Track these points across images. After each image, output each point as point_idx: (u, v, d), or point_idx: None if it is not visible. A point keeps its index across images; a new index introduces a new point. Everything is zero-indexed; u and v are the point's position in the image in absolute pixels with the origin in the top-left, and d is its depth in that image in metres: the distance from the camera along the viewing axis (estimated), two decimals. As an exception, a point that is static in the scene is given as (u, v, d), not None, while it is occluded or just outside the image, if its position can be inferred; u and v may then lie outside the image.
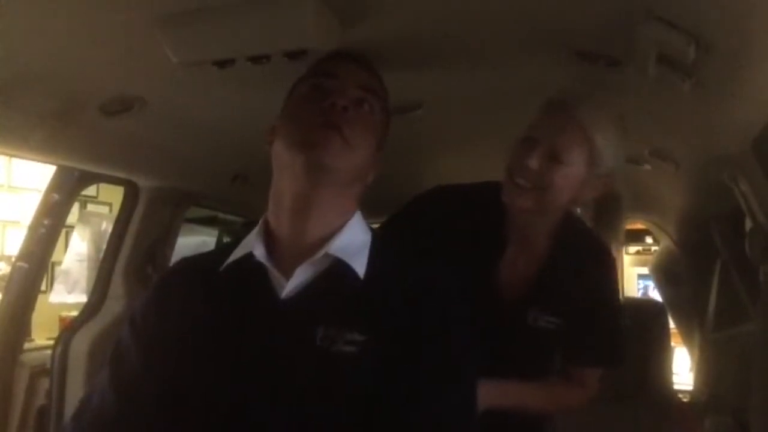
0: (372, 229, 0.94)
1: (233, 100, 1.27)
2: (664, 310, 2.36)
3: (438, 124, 1.49)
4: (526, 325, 1.21)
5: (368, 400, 0.79)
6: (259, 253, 0.87)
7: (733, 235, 1.82)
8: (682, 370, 2.91)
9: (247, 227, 0.94)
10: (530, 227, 1.22)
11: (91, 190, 3.10)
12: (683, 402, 2.37)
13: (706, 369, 2.14)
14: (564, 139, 1.11)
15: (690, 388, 2.49)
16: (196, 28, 0.93)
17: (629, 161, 1.64)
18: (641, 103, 1.26)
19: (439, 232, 1.21)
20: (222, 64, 0.99)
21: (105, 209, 3.38)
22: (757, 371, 1.45)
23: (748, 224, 1.50)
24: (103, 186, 2.70)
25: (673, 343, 2.35)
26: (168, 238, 1.95)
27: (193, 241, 2.64)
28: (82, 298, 2.23)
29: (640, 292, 4.91)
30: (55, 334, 2.16)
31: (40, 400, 1.77)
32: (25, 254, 1.74)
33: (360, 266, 0.86)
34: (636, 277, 4.99)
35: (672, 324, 2.42)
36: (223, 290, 0.89)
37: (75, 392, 1.67)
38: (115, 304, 1.81)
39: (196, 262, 0.98)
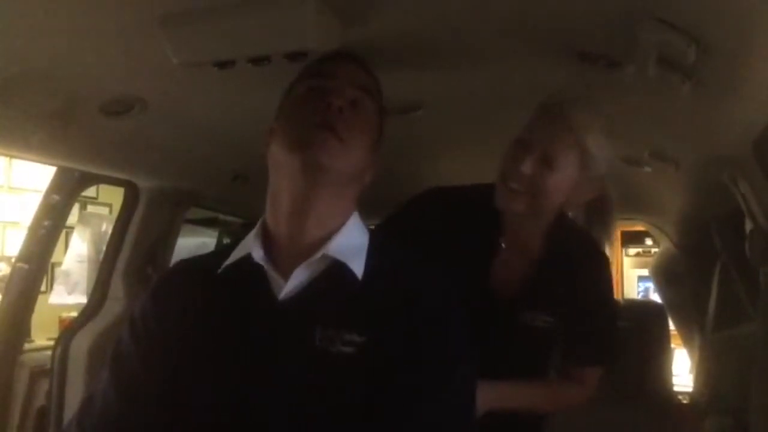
0: (370, 230, 0.94)
1: (233, 101, 1.28)
2: (663, 312, 2.36)
3: (438, 124, 1.49)
4: (521, 325, 1.23)
5: (367, 401, 0.79)
6: (258, 254, 0.87)
7: (733, 237, 1.82)
8: (683, 371, 2.91)
9: (247, 228, 0.93)
10: (524, 229, 1.24)
11: (91, 191, 3.11)
12: (683, 403, 2.37)
13: (706, 370, 2.14)
14: (557, 144, 1.13)
15: (690, 389, 2.49)
16: (196, 28, 0.93)
17: (629, 163, 1.65)
18: (641, 104, 1.26)
19: (434, 233, 1.22)
20: (222, 65, 0.99)
21: (105, 210, 3.39)
22: (757, 372, 1.45)
23: (748, 225, 1.50)
24: (103, 187, 2.71)
25: (673, 345, 2.35)
26: (168, 239, 1.95)
27: (193, 242, 2.64)
28: (82, 299, 2.23)
29: (641, 294, 4.90)
30: (55, 334, 2.17)
31: (39, 400, 1.78)
32: (25, 255, 1.74)
33: (358, 267, 0.86)
34: (636, 279, 4.98)
35: (672, 325, 2.42)
36: (222, 291, 0.89)
37: (75, 393, 1.67)
38: (115, 305, 1.81)
39: (194, 264, 0.98)
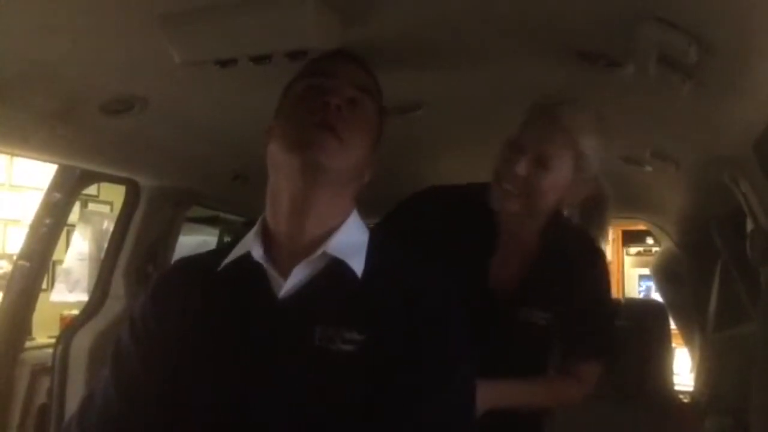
0: (370, 229, 0.94)
1: (234, 101, 1.28)
2: (664, 311, 2.36)
3: (438, 124, 1.49)
4: (519, 323, 1.24)
5: (367, 400, 0.79)
6: (257, 253, 0.87)
7: (734, 236, 1.82)
8: (683, 370, 2.91)
9: (248, 227, 0.94)
10: (520, 228, 1.25)
11: (92, 189, 3.11)
12: (683, 402, 2.37)
13: (706, 370, 2.14)
14: (550, 146, 1.14)
15: (691, 388, 2.49)
16: (197, 27, 0.93)
17: (630, 162, 1.65)
18: (642, 104, 1.26)
19: (431, 232, 1.23)
20: (224, 63, 0.99)
21: (106, 208, 3.39)
22: (758, 372, 1.45)
23: (749, 225, 1.50)
24: (104, 185, 2.71)
25: (673, 344, 2.35)
26: (169, 238, 1.95)
27: (194, 241, 2.64)
28: (83, 297, 2.23)
29: (642, 293, 4.90)
30: (56, 332, 2.17)
31: (40, 398, 1.78)
32: (27, 253, 1.75)
33: (358, 265, 0.86)
34: (637, 278, 4.98)
35: (673, 324, 2.42)
36: (222, 290, 0.89)
37: (76, 391, 1.68)
38: (116, 303, 1.81)
39: (194, 262, 0.98)
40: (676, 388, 2.45)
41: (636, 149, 1.58)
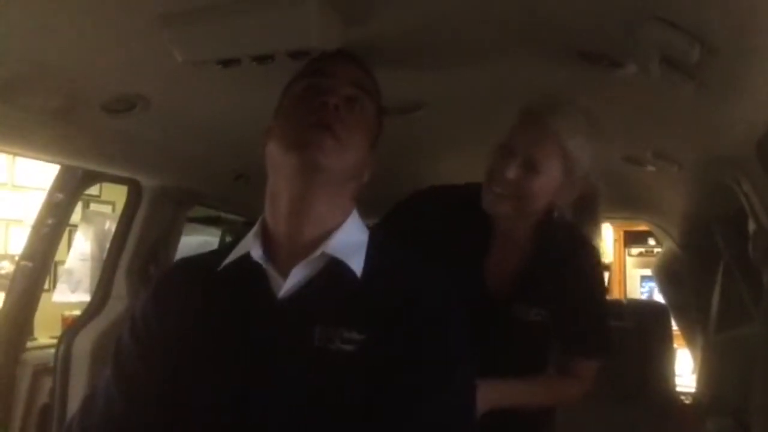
0: (369, 229, 0.94)
1: (236, 100, 1.28)
2: (666, 312, 2.36)
3: (438, 124, 1.49)
4: (517, 321, 1.25)
5: (366, 400, 0.79)
6: (257, 253, 0.87)
7: (736, 237, 1.82)
8: (686, 371, 2.91)
9: (250, 227, 0.94)
10: (513, 228, 1.27)
11: (94, 190, 3.11)
12: (685, 403, 2.37)
13: (708, 371, 2.14)
14: (540, 149, 1.16)
15: (693, 389, 2.49)
16: (199, 27, 0.93)
17: (632, 162, 1.65)
18: (643, 104, 1.26)
19: (430, 231, 1.24)
20: (226, 63, 0.99)
21: (108, 208, 3.40)
22: (760, 373, 1.45)
23: (751, 226, 1.50)
24: (106, 185, 2.72)
25: (675, 345, 2.35)
26: (171, 238, 1.95)
27: (196, 241, 2.64)
28: (85, 297, 2.24)
29: (645, 294, 4.89)
30: (58, 333, 2.17)
31: (42, 398, 1.78)
32: (29, 253, 1.75)
33: (357, 265, 0.86)
34: (639, 279, 4.97)
35: (675, 325, 2.42)
36: (222, 290, 0.89)
37: (78, 391, 1.68)
38: (118, 304, 1.81)
39: (195, 262, 0.98)
40: (679, 389, 2.45)
41: (638, 149, 1.58)
